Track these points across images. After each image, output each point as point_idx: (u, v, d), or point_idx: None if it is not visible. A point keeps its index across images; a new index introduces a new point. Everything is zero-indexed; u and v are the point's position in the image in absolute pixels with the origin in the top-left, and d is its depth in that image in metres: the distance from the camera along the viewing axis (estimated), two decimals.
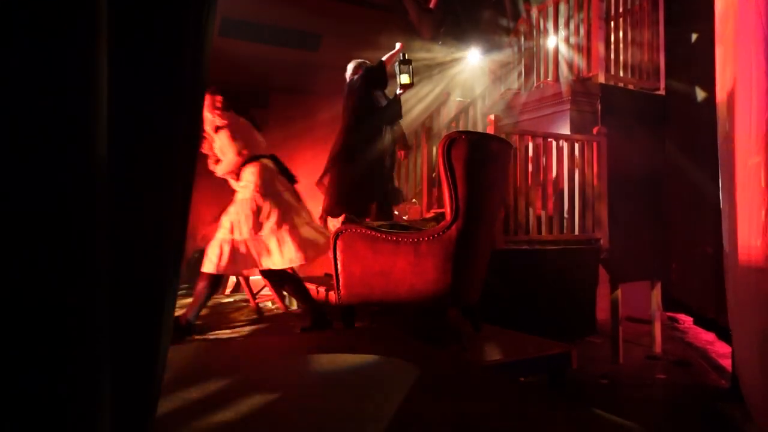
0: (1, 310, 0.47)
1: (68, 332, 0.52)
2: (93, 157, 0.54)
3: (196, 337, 3.23)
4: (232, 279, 8.57)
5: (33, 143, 0.50)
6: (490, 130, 4.30)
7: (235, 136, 3.61)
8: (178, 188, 0.74)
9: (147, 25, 0.69)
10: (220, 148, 3.66)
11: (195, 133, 0.78)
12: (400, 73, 4.99)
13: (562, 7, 5.70)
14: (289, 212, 3.49)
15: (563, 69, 5.67)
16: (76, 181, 0.52)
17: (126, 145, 0.65)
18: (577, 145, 4.65)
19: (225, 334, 3.36)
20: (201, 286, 3.30)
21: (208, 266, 3.28)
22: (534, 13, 6.15)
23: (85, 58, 0.53)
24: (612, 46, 5.40)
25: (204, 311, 4.21)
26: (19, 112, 0.48)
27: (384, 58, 5.14)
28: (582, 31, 5.45)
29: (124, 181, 0.62)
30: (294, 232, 3.42)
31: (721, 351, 4.91)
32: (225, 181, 3.83)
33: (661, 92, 5.53)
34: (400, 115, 5.00)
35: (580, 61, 5.47)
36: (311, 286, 3.99)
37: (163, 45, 0.70)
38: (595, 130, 4.85)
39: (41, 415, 0.50)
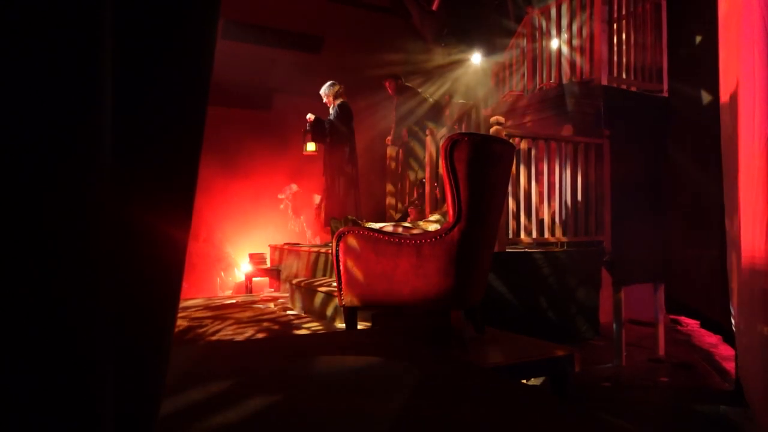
0: (9, 312, 0.47)
1: (70, 332, 0.52)
2: (102, 157, 0.54)
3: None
4: (236, 279, 8.59)
5: (37, 142, 0.50)
6: (493, 132, 4.30)
7: None
8: (181, 189, 0.74)
9: (151, 28, 0.69)
10: None
11: (198, 133, 0.78)
12: (305, 141, 6.01)
13: (565, 9, 5.70)
14: None
15: (566, 71, 5.67)
16: (79, 179, 0.52)
17: (129, 145, 0.65)
18: (579, 147, 4.65)
19: (227, 335, 3.36)
20: None
21: None
22: (536, 15, 6.16)
23: (89, 58, 0.53)
24: (615, 48, 5.40)
25: (207, 312, 4.21)
26: (23, 112, 0.49)
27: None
28: (585, 32, 5.46)
29: (127, 179, 0.62)
30: None
31: (725, 354, 4.90)
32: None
33: (664, 94, 5.53)
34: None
35: (582, 62, 5.47)
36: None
37: (166, 46, 0.70)
38: (597, 132, 4.84)
39: (42, 416, 0.50)
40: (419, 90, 7.05)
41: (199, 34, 0.72)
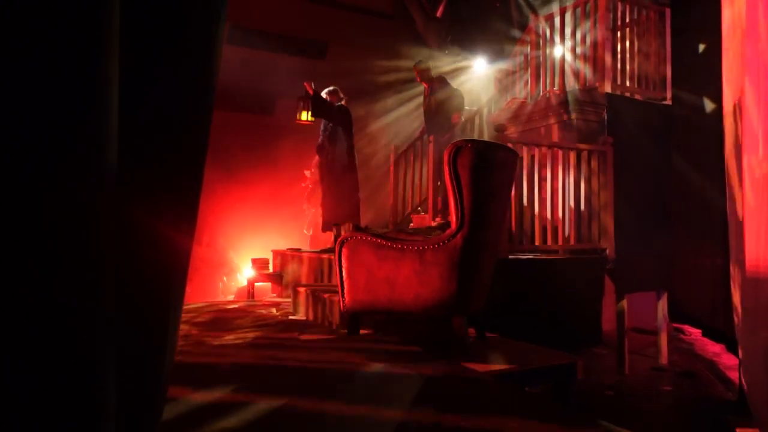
0: (9, 311, 0.47)
1: (70, 332, 0.52)
2: (102, 157, 0.54)
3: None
4: (238, 284, 8.59)
5: (43, 144, 0.50)
6: (496, 139, 4.30)
7: None
8: (183, 189, 0.73)
9: (159, 34, 0.69)
10: None
11: (201, 134, 0.77)
12: (301, 110, 5.72)
13: (569, 17, 5.71)
14: None
15: (569, 78, 5.67)
16: (79, 179, 0.52)
17: (135, 149, 0.65)
18: (582, 155, 4.65)
19: (230, 340, 3.35)
20: None
21: None
22: (540, 22, 6.17)
23: (95, 63, 0.53)
24: (618, 56, 5.40)
25: (209, 316, 4.21)
26: (28, 115, 0.49)
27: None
28: (588, 40, 5.46)
29: (127, 180, 0.62)
30: None
31: (728, 363, 4.87)
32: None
33: (668, 102, 5.52)
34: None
35: (586, 70, 5.48)
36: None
37: (173, 53, 0.70)
38: (601, 140, 4.84)
39: (43, 416, 0.50)
40: (450, 82, 6.67)
41: (201, 36, 0.72)
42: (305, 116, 5.94)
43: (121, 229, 0.59)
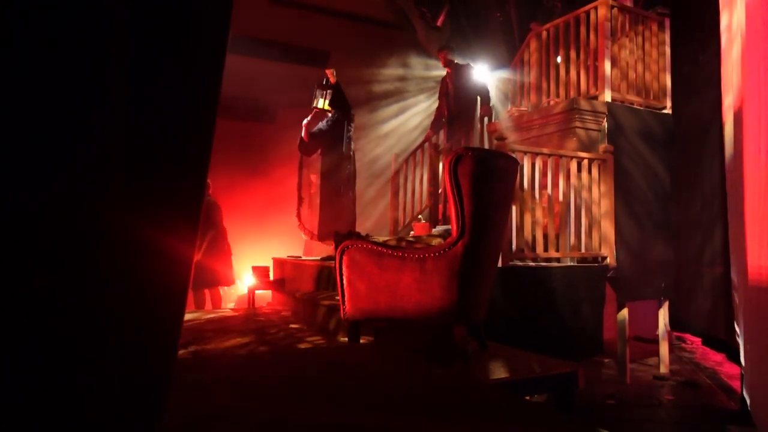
0: (9, 311, 0.47)
1: (73, 335, 0.52)
2: (106, 156, 0.54)
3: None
4: (238, 292, 8.58)
5: (47, 144, 0.50)
6: (497, 147, 4.31)
7: None
8: (188, 201, 0.74)
9: (163, 40, 0.69)
10: None
11: (206, 146, 0.78)
12: (319, 96, 5.62)
13: (569, 26, 5.74)
14: None
15: (570, 87, 5.69)
16: (87, 183, 0.52)
17: (137, 156, 0.65)
18: (583, 163, 4.65)
19: (228, 348, 3.35)
20: None
21: None
22: (541, 31, 6.20)
23: (100, 63, 0.53)
24: (618, 65, 5.42)
25: (209, 324, 4.20)
26: (35, 113, 0.49)
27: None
28: (588, 50, 5.48)
29: (136, 183, 0.62)
30: None
31: (730, 372, 4.85)
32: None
33: (668, 111, 5.54)
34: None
35: (586, 79, 5.50)
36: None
37: (177, 60, 0.71)
38: (601, 148, 4.85)
39: (46, 419, 0.50)
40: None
41: (206, 42, 0.72)
42: (322, 104, 5.83)
43: (124, 232, 0.59)
